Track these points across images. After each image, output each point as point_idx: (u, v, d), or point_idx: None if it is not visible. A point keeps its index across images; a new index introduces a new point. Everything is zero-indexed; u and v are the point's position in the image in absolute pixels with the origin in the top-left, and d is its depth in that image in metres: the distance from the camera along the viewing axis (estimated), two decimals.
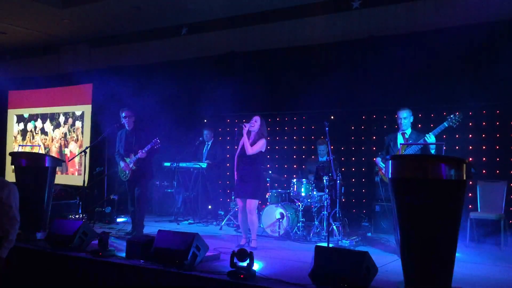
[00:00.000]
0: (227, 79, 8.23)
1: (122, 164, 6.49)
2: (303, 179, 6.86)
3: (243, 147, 5.82)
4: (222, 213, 8.02)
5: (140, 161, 6.39)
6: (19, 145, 10.44)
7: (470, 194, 6.55)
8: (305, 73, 8.20)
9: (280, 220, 6.63)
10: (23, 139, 11.74)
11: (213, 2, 8.39)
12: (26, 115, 11.78)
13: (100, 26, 9.98)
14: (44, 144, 11.19)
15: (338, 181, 6.59)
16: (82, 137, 10.56)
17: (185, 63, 9.52)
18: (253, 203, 5.74)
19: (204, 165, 8.07)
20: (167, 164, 8.42)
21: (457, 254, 3.83)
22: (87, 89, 10.48)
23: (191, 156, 8.43)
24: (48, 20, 9.68)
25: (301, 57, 8.31)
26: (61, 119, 11.06)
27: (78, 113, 10.73)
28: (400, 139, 5.61)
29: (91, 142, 9.71)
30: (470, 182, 6.40)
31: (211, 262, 4.84)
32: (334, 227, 6.40)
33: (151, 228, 6.87)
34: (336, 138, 7.07)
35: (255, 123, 5.85)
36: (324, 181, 6.60)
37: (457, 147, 6.92)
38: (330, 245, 5.41)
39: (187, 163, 8.20)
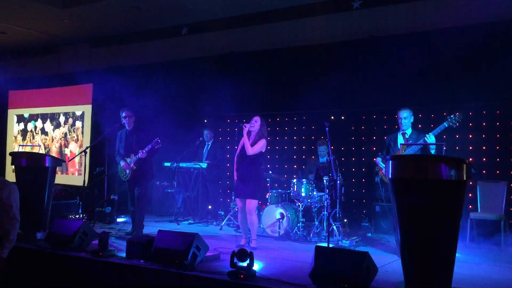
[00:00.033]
0: (227, 79, 8.23)
1: (122, 163, 6.49)
2: (303, 179, 6.86)
3: (243, 147, 5.82)
4: (222, 213, 8.02)
5: (141, 161, 6.39)
6: (19, 145, 10.44)
7: (470, 195, 6.55)
8: (305, 73, 8.21)
9: (280, 220, 6.63)
10: (23, 139, 11.74)
11: (213, 2, 8.39)
12: (26, 115, 11.79)
13: (100, 26, 9.99)
14: (44, 144, 11.19)
15: (338, 181, 6.59)
16: (82, 137, 10.57)
17: (185, 63, 9.53)
18: (252, 203, 5.74)
19: (204, 165, 8.08)
20: (167, 164, 8.42)
21: (457, 255, 3.82)
22: (87, 89, 10.48)
23: (191, 156, 8.43)
24: (48, 20, 9.68)
25: (301, 57, 8.31)
26: (61, 119, 11.06)
27: (78, 113, 10.73)
28: (400, 139, 5.61)
29: (91, 142, 9.72)
30: (470, 183, 6.40)
31: (211, 262, 4.84)
32: (334, 227, 6.40)
33: (151, 228, 6.87)
34: (336, 138, 7.07)
35: (255, 123, 5.85)
36: (324, 181, 6.60)
37: (457, 147, 6.92)
38: (330, 245, 5.41)
39: (187, 163, 8.20)
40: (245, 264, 4.23)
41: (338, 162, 7.36)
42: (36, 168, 6.23)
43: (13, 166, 6.60)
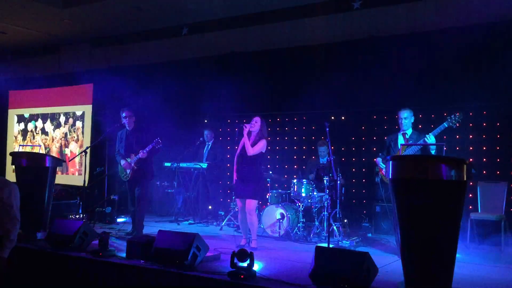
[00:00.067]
0: (227, 79, 8.23)
1: (123, 162, 6.48)
2: (304, 180, 6.86)
3: (243, 148, 5.82)
4: (223, 213, 8.02)
5: (141, 161, 6.39)
6: (20, 145, 10.43)
7: (470, 195, 6.54)
8: (306, 73, 8.21)
9: (281, 220, 6.63)
10: (24, 139, 11.74)
11: (214, 2, 8.39)
12: (26, 115, 11.78)
13: (100, 26, 9.99)
14: (44, 144, 11.19)
15: (338, 182, 6.59)
16: (83, 137, 10.56)
17: (186, 63, 9.53)
18: (252, 204, 5.74)
19: (204, 165, 8.08)
20: (167, 164, 8.42)
21: (457, 255, 3.82)
22: (88, 89, 10.47)
23: (192, 156, 8.43)
24: (48, 20, 9.68)
25: (302, 57, 8.32)
26: (62, 119, 11.06)
27: (78, 113, 10.72)
28: (400, 140, 5.61)
29: (91, 142, 9.71)
30: (471, 183, 6.40)
31: (211, 263, 4.84)
32: (335, 227, 6.39)
33: (151, 228, 6.87)
34: (336, 138, 7.07)
35: (256, 123, 5.86)
36: (325, 181, 6.60)
37: (457, 148, 6.93)
38: (331, 246, 5.41)
39: (188, 164, 8.20)
40: (245, 264, 4.23)
41: (339, 163, 7.37)
42: (37, 168, 6.23)
43: (13, 166, 6.60)
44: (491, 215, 6.14)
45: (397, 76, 7.23)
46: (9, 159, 7.69)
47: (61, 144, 11.00)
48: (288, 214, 6.63)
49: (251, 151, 5.73)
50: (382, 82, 7.39)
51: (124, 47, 10.56)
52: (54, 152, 10.90)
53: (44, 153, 10.37)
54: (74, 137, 10.76)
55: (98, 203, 8.24)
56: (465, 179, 3.75)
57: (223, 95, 8.20)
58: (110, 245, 5.17)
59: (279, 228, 6.62)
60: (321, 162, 7.43)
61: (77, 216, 7.38)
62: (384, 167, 5.56)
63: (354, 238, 6.27)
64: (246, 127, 5.82)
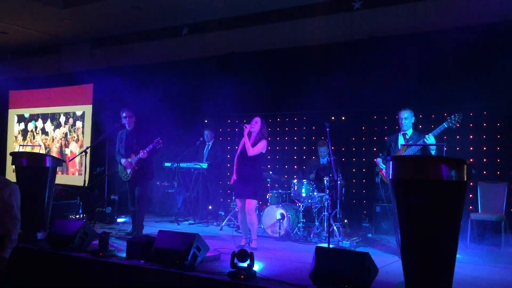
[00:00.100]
0: (227, 79, 8.23)
1: (123, 161, 6.48)
2: (304, 180, 6.85)
3: (243, 148, 5.82)
4: (223, 213, 8.03)
5: (141, 161, 6.39)
6: (20, 145, 10.44)
7: (470, 195, 6.54)
8: (306, 73, 8.21)
9: (281, 220, 6.63)
10: (24, 139, 11.74)
11: (214, 2, 8.39)
12: (26, 115, 11.79)
13: (101, 26, 9.99)
14: (44, 144, 11.19)
15: (338, 182, 6.59)
16: (83, 137, 10.57)
17: (186, 63, 9.53)
18: (252, 204, 5.74)
19: (204, 165, 8.07)
20: (167, 164, 8.42)
21: (457, 255, 3.82)
22: (88, 89, 10.48)
23: (192, 156, 8.43)
24: (49, 20, 9.69)
25: (302, 57, 8.31)
26: (62, 119, 11.06)
27: (78, 113, 10.73)
28: (401, 140, 5.61)
29: (91, 142, 9.72)
30: (471, 183, 6.40)
31: (211, 263, 4.84)
32: (335, 227, 6.40)
33: (151, 228, 6.87)
34: (336, 138, 7.07)
35: (256, 124, 5.86)
36: (325, 181, 6.60)
37: (457, 148, 6.92)
38: (331, 246, 5.41)
39: (188, 164, 8.20)
40: (245, 264, 4.23)
41: (339, 163, 7.37)
42: (37, 168, 6.23)
43: (14, 166, 6.60)
44: (491, 215, 6.14)
45: (397, 76, 7.23)
46: (9, 159, 7.68)
47: (61, 144, 11.01)
48: (288, 214, 6.63)
49: (252, 151, 5.74)
50: (382, 82, 7.39)
51: (125, 47, 10.56)
52: (54, 152, 10.91)
53: (44, 153, 10.36)
54: (74, 137, 10.76)
55: (98, 203, 8.23)
56: (465, 179, 3.75)
57: (223, 95, 8.20)
58: (110, 245, 5.17)
59: (279, 228, 6.62)
60: (321, 162, 7.43)
61: (77, 216, 7.38)
62: (384, 168, 5.56)
63: (354, 238, 6.27)
64: (246, 127, 5.82)
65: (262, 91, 8.51)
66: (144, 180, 6.49)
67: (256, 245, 5.74)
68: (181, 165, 8.16)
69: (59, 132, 11.09)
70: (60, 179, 9.64)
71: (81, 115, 10.67)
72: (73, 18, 9.53)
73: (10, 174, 9.73)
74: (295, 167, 8.44)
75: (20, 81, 11.97)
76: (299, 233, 6.56)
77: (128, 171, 6.45)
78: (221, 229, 7.34)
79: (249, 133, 5.85)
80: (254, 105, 8.49)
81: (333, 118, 7.99)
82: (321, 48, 8.18)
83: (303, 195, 6.72)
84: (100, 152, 8.81)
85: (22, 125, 11.84)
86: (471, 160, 6.70)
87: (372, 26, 7.82)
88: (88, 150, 7.24)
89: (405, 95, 7.06)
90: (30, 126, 11.68)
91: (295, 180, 6.89)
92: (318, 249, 4.13)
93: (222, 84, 8.21)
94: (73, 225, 5.46)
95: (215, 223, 7.85)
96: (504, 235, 5.98)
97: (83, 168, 9.85)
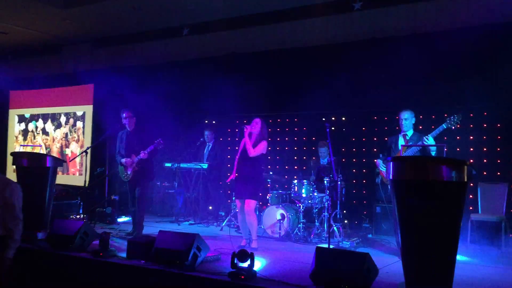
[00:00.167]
0: (228, 79, 8.23)
1: (123, 160, 6.48)
2: (304, 180, 6.85)
3: (244, 149, 5.83)
4: (223, 214, 8.03)
5: (142, 162, 6.40)
6: (21, 145, 10.45)
7: (471, 196, 6.55)
8: (306, 74, 8.21)
9: (281, 221, 6.63)
10: (24, 139, 11.75)
11: (214, 3, 8.39)
12: (27, 115, 11.80)
13: (101, 26, 10.00)
14: (45, 144, 11.20)
15: (339, 183, 6.59)
16: (83, 137, 10.57)
17: (186, 64, 9.53)
18: (251, 204, 5.74)
19: (205, 166, 8.08)
20: (168, 164, 8.42)
21: (457, 256, 3.83)
22: (89, 89, 10.49)
23: (192, 157, 8.44)
24: (49, 20, 9.69)
25: (303, 58, 8.31)
26: (62, 119, 11.07)
27: (79, 113, 10.74)
28: (401, 141, 5.61)
29: (92, 142, 9.72)
30: (471, 184, 6.40)
31: (211, 263, 4.85)
32: (335, 228, 6.40)
33: (152, 228, 6.87)
34: (337, 139, 7.07)
35: (256, 125, 5.87)
36: (325, 182, 6.60)
37: (458, 149, 6.92)
38: (331, 246, 5.41)
39: (188, 164, 8.21)
40: (245, 265, 4.23)
41: (339, 163, 7.36)
42: (37, 168, 6.24)
43: (14, 166, 6.60)
44: (491, 216, 6.14)
45: (397, 76, 7.23)
46: (10, 159, 7.69)
47: (61, 144, 11.01)
48: (289, 214, 6.64)
49: (253, 152, 5.75)
50: (382, 82, 7.39)
51: (125, 48, 10.57)
52: (55, 152, 10.91)
53: (45, 153, 10.38)
54: (75, 137, 10.77)
55: (98, 203, 8.24)
56: (465, 180, 3.75)
57: (224, 95, 8.20)
58: (111, 245, 5.18)
59: (280, 229, 6.62)
60: (321, 163, 7.43)
61: (78, 216, 7.39)
62: (385, 169, 5.56)
63: (355, 239, 6.27)
64: (247, 128, 5.84)
65: (262, 92, 8.51)
66: (144, 181, 6.50)
67: (257, 246, 5.74)
68: (182, 165, 8.16)
69: (59, 132, 11.09)
70: (61, 179, 9.64)
71: (81, 115, 10.67)
72: (73, 18, 9.53)
73: (11, 174, 9.75)
74: (295, 167, 8.45)
75: (20, 81, 11.97)
76: (299, 233, 6.56)
77: (129, 171, 6.46)
78: (221, 230, 7.35)
79: (250, 134, 5.86)
80: (254, 106, 8.49)
81: (333, 118, 7.99)
82: (322, 49, 8.18)
83: (304, 195, 6.72)
84: (100, 152, 8.82)
85: (23, 125, 11.84)
86: (471, 160, 6.70)
87: (373, 26, 7.82)
88: (89, 150, 7.24)
89: (406, 96, 7.06)
90: (31, 126, 11.69)
91: (296, 181, 6.89)
92: (318, 249, 4.13)
93: (222, 84, 8.21)
94: (74, 225, 5.47)
95: (215, 224, 7.85)
96: (504, 235, 5.98)
97: (83, 168, 9.85)
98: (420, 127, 6.57)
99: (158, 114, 8.64)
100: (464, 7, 7.17)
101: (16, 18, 9.70)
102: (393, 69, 7.22)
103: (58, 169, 6.66)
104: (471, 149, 6.96)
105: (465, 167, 3.74)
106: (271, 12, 8.69)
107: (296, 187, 6.81)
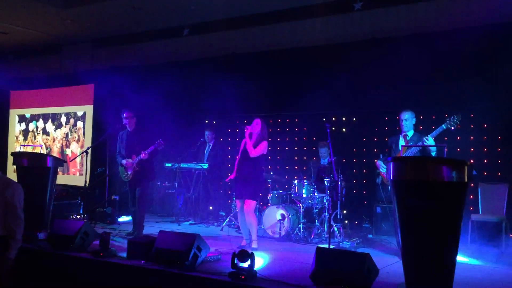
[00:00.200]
0: (228, 80, 8.24)
1: (124, 161, 6.49)
2: (304, 180, 6.85)
3: (244, 150, 5.84)
4: (223, 214, 8.03)
5: (142, 162, 6.40)
6: (21, 145, 10.45)
7: (471, 196, 6.54)
8: (307, 74, 8.21)
9: (281, 221, 6.63)
10: (25, 139, 11.76)
11: (215, 3, 8.40)
12: (27, 115, 11.80)
13: (102, 26, 10.00)
14: (45, 144, 11.21)
15: (339, 183, 6.59)
16: (84, 137, 10.58)
17: (187, 64, 9.54)
18: (251, 204, 5.75)
19: (205, 166, 8.08)
20: (168, 164, 8.43)
21: (458, 256, 3.83)
22: (89, 89, 10.50)
23: (193, 157, 8.44)
24: (50, 20, 9.69)
25: (303, 58, 8.31)
26: (63, 119, 11.07)
27: (79, 113, 10.74)
28: (402, 141, 5.61)
29: (92, 142, 9.73)
30: (471, 184, 6.39)
31: (212, 263, 4.85)
32: (335, 228, 6.40)
33: (152, 228, 6.87)
34: (337, 139, 7.07)
35: (256, 125, 5.88)
36: (325, 182, 6.60)
37: (458, 149, 6.92)
38: (331, 247, 5.41)
39: (189, 164, 8.21)
40: (246, 265, 4.23)
41: (339, 164, 7.36)
42: (38, 168, 6.25)
43: (15, 166, 6.61)
44: (492, 216, 6.14)
45: (398, 77, 7.23)
46: (10, 159, 7.70)
47: (62, 144, 11.02)
48: (289, 215, 6.64)
49: (254, 152, 5.75)
50: (383, 83, 7.39)
51: (126, 48, 10.57)
52: (55, 152, 10.92)
53: (45, 153, 10.38)
54: (75, 137, 10.77)
55: (99, 203, 8.24)
56: (466, 180, 3.75)
57: (224, 95, 8.20)
58: (111, 245, 5.18)
59: (280, 229, 6.62)
60: (322, 163, 7.43)
61: (78, 216, 7.39)
62: (385, 170, 5.56)
63: (355, 239, 6.27)
64: (247, 129, 5.84)
65: (262, 92, 8.51)
66: (144, 181, 6.50)
67: (257, 246, 5.74)
68: (182, 165, 8.16)
69: (60, 132, 11.10)
70: (61, 179, 9.64)
71: (82, 115, 10.68)
72: (74, 18, 9.54)
73: (11, 174, 9.74)
74: (296, 167, 8.45)
75: (21, 81, 11.98)
76: (299, 233, 6.56)
77: (129, 171, 6.46)
78: (221, 230, 7.34)
79: (250, 135, 5.86)
80: (255, 106, 8.49)
81: (333, 118, 7.99)
82: (322, 49, 8.18)
83: (304, 195, 6.72)
84: (101, 152, 8.82)
85: (23, 125, 11.85)
86: (472, 161, 6.69)
87: (373, 27, 7.82)
88: (89, 150, 7.25)
89: (406, 96, 7.06)
90: (31, 126, 11.69)
91: (296, 181, 6.89)
92: (319, 249, 4.14)
93: (222, 84, 8.21)
94: (74, 225, 5.47)
95: (215, 224, 7.85)
96: (505, 236, 5.98)
97: (84, 168, 9.86)
98: (421, 127, 6.57)
99: (159, 114, 8.64)
100: (464, 7, 7.17)
101: (16, 18, 9.70)
102: (393, 69, 7.22)
103: (58, 169, 6.66)
104: (472, 149, 6.95)
105: (466, 167, 3.74)
106: (271, 12, 8.69)
107: (296, 187, 6.81)
